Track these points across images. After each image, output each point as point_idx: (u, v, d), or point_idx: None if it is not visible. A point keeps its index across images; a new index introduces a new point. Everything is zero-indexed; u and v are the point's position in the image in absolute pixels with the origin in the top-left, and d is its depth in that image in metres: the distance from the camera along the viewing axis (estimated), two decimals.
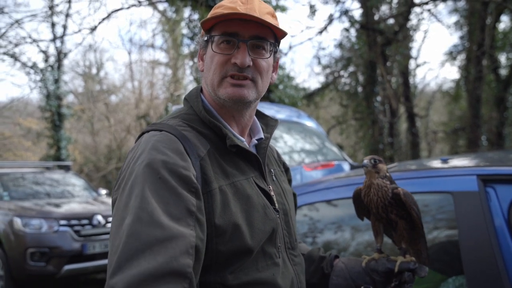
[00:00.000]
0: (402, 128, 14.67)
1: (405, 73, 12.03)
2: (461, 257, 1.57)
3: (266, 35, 1.09)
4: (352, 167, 3.39)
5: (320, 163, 3.20)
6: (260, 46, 1.09)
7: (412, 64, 13.77)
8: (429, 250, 1.35)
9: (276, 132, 3.34)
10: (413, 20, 10.93)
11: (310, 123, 3.83)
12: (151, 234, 0.85)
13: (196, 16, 10.52)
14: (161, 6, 13.34)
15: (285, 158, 3.07)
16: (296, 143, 3.35)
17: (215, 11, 1.10)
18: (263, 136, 1.20)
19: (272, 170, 1.22)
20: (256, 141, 1.19)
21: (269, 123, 1.26)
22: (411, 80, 13.38)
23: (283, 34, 1.11)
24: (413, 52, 13.58)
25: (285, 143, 3.26)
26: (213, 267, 0.98)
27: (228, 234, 0.98)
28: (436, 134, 16.28)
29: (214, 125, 1.08)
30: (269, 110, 3.74)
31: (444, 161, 2.16)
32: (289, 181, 1.38)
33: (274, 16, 1.13)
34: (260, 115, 1.28)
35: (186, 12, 11.47)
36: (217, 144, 1.07)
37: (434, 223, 1.99)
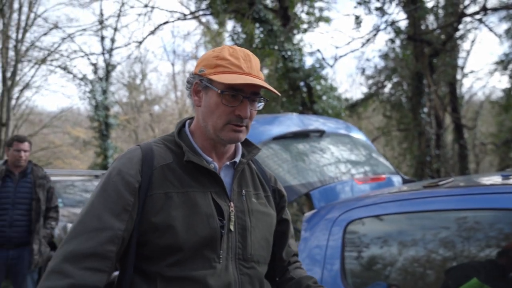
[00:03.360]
0: (448, 139, 14.22)
1: (453, 83, 11.68)
2: None
3: (259, 90, 1.32)
4: (404, 181, 3.31)
5: (371, 177, 3.14)
6: (256, 100, 1.32)
7: (458, 73, 13.36)
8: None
9: (323, 144, 3.32)
10: (461, 30, 10.62)
11: (358, 135, 3.77)
12: (91, 223, 1.19)
13: (239, 29, 10.70)
14: (205, 19, 13.63)
15: (333, 171, 3.03)
16: (344, 156, 3.31)
17: (219, 63, 1.30)
18: (237, 160, 1.39)
19: (244, 190, 1.38)
20: (228, 163, 1.38)
21: (251, 151, 1.45)
22: (457, 90, 12.97)
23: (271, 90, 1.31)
24: (460, 62, 13.19)
25: (332, 155, 3.22)
26: (153, 259, 1.22)
27: (161, 231, 1.21)
28: (485, 146, 15.66)
29: (180, 144, 1.32)
30: (315, 122, 3.71)
31: (505, 177, 2.08)
32: (282, 207, 1.53)
33: (260, 69, 1.36)
34: (247, 143, 1.48)
35: (229, 24, 11.70)
36: (183, 160, 1.31)
37: (486, 240, 1.93)
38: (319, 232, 2.43)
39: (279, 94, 1.34)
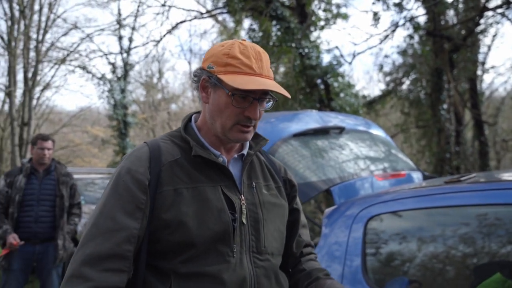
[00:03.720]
0: (468, 136, 14.00)
1: (473, 79, 11.49)
2: None
3: (269, 91, 1.30)
4: (425, 177, 3.30)
5: (392, 173, 3.14)
6: (265, 99, 1.31)
7: (479, 69, 13.13)
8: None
9: (343, 141, 3.32)
10: (483, 24, 10.41)
11: (377, 132, 3.76)
12: (105, 225, 1.18)
13: (256, 27, 10.71)
14: (221, 17, 13.68)
15: (353, 167, 3.03)
16: (364, 153, 3.30)
17: (229, 62, 1.27)
18: (245, 153, 1.39)
19: (254, 182, 1.38)
20: (236, 156, 1.38)
21: (259, 142, 1.44)
22: (478, 86, 12.76)
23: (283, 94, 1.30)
24: (481, 57, 12.96)
25: (352, 152, 3.22)
26: (167, 256, 1.22)
27: (173, 227, 1.20)
28: (507, 143, 15.37)
29: (187, 140, 1.32)
30: (334, 119, 3.71)
31: None
32: (293, 197, 1.53)
33: (270, 66, 1.35)
34: (254, 135, 1.46)
35: (246, 22, 11.71)
36: (190, 155, 1.30)
37: (508, 236, 1.92)
38: (340, 228, 2.44)
39: (289, 96, 1.31)
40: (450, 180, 2.28)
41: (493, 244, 1.96)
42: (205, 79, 1.32)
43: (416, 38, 11.08)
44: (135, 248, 1.20)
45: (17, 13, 14.10)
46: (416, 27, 10.11)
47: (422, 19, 10.75)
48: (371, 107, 13.73)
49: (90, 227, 1.20)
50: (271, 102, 1.35)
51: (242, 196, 1.32)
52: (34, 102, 16.16)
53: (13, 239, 3.78)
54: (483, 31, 10.93)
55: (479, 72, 13.15)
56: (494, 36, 13.09)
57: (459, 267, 2.03)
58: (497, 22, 9.58)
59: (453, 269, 2.05)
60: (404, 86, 13.82)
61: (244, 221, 1.29)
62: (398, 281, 2.19)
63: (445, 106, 10.09)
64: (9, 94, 13.80)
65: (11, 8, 14.14)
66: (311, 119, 3.41)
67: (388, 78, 14.38)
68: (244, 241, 1.28)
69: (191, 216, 1.21)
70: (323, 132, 3.25)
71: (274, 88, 1.25)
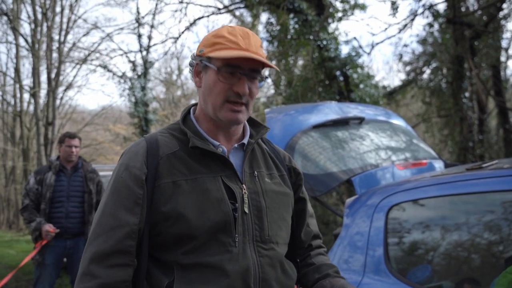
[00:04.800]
0: (492, 124, 13.71)
1: (496, 66, 11.24)
2: None
3: (259, 67, 1.31)
4: (447, 166, 3.28)
5: (413, 162, 3.13)
6: (255, 76, 1.31)
7: (502, 55, 12.84)
8: None
9: (363, 131, 3.32)
10: (505, 9, 10.15)
11: (398, 121, 3.75)
12: (108, 222, 1.22)
13: (273, 20, 10.69)
14: (238, 12, 13.69)
15: (374, 157, 3.04)
16: (385, 142, 3.30)
17: (217, 41, 1.29)
18: (245, 142, 1.39)
19: (256, 171, 1.37)
20: (236, 146, 1.38)
21: (260, 130, 1.44)
22: (502, 73, 12.47)
23: (270, 66, 1.30)
24: (504, 43, 12.66)
25: (372, 142, 3.23)
26: (168, 248, 1.23)
27: (172, 220, 1.21)
28: None
29: (185, 131, 1.32)
30: (354, 110, 3.72)
31: None
32: (299, 186, 1.53)
33: (261, 46, 1.34)
34: (255, 123, 1.48)
35: (263, 16, 11.71)
36: (188, 147, 1.30)
37: None
38: (361, 218, 2.45)
39: (277, 69, 1.34)
40: (472, 167, 2.27)
41: None
42: (198, 64, 1.35)
43: (436, 26, 10.90)
44: (137, 242, 1.23)
45: (39, 16, 14.40)
46: (436, 15, 9.94)
47: (441, 7, 10.58)
48: (391, 97, 13.57)
49: (95, 226, 1.24)
50: (262, 79, 1.35)
51: (244, 185, 1.31)
52: (58, 102, 16.48)
53: (49, 227, 3.91)
54: (505, 17, 10.67)
55: (502, 59, 12.85)
56: None
57: (483, 254, 2.03)
58: None
59: (477, 257, 2.05)
60: (425, 76, 13.64)
61: (246, 210, 1.28)
62: (421, 269, 2.20)
63: (467, 94, 9.90)
64: (34, 95, 14.14)
65: (34, 11, 14.46)
66: (331, 110, 3.42)
67: (408, 68, 14.19)
68: (247, 230, 1.27)
69: (190, 208, 1.22)
70: (342, 123, 3.26)
71: (257, 57, 1.25)
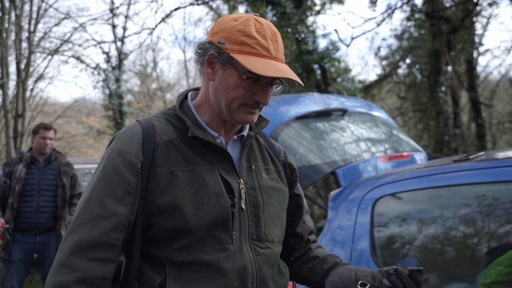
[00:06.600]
0: (464, 119, 14.01)
1: (470, 61, 11.45)
2: None
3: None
4: (430, 158, 3.28)
5: (395, 154, 3.11)
6: (274, 84, 1.23)
7: (475, 51, 13.09)
8: None
9: (346, 123, 3.28)
10: (480, 6, 10.32)
11: (380, 114, 3.73)
12: (94, 211, 1.11)
13: (251, 12, 10.59)
14: (215, 4, 13.52)
15: (357, 149, 3.01)
16: (368, 134, 3.28)
17: (245, 40, 1.16)
18: (245, 134, 1.31)
19: (253, 165, 1.30)
20: (235, 137, 1.30)
21: (259, 123, 1.35)
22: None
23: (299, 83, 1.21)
24: (477, 39, 12.90)
25: (355, 134, 3.19)
26: (161, 243, 1.14)
27: (168, 213, 1.12)
28: (503, 125, 15.41)
29: (183, 119, 1.23)
30: (335, 101, 3.67)
31: None
32: (294, 182, 1.46)
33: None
34: None
35: (241, 9, 11.58)
36: (186, 136, 1.22)
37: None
38: (346, 210, 2.41)
39: (302, 84, 1.22)
40: (459, 158, 2.25)
41: (506, 222, 1.94)
42: (213, 55, 1.21)
43: (413, 21, 11.01)
44: (125, 235, 1.13)
45: (7, 3, 13.88)
46: (415, 9, 10.02)
47: (418, 1, 10.68)
48: (367, 92, 13.70)
49: (79, 213, 1.13)
50: (280, 87, 1.26)
51: (241, 180, 1.24)
52: (28, 93, 16.00)
53: None
54: (479, 12, 10.87)
55: (474, 55, 13.12)
56: (489, 18, 13.03)
57: (473, 246, 2.01)
58: (494, 3, 9.48)
59: (468, 249, 2.03)
60: (400, 70, 13.80)
61: (243, 206, 1.21)
62: (407, 262, 2.17)
63: (443, 88, 10.06)
64: (2, 85, 13.64)
65: None
66: (313, 101, 3.37)
67: (384, 62, 14.33)
68: (243, 227, 1.20)
69: (187, 201, 1.13)
70: (325, 114, 3.21)
71: (292, 76, 1.17)
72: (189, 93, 1.35)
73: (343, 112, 3.29)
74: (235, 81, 1.18)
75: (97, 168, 1.19)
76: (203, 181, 1.17)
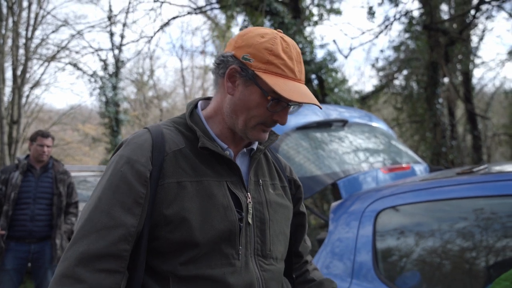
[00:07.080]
0: (459, 130, 14.08)
1: (467, 73, 11.53)
2: None
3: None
4: (432, 170, 3.26)
5: (397, 166, 3.10)
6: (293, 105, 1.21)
7: (471, 64, 13.19)
8: None
9: (346, 134, 3.27)
10: (479, 18, 10.41)
11: (380, 125, 3.72)
12: (101, 220, 1.06)
13: (249, 23, 10.62)
14: (213, 13, 13.56)
15: (358, 161, 2.99)
16: (368, 146, 3.26)
17: (272, 60, 1.14)
18: (254, 148, 1.29)
19: (261, 180, 1.28)
20: (245, 150, 1.28)
21: (269, 137, 1.32)
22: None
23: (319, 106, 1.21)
24: (474, 51, 13.00)
25: (356, 145, 3.18)
26: (165, 256, 1.11)
27: (174, 224, 1.09)
28: (499, 137, 15.49)
29: (193, 129, 1.20)
30: (334, 111, 3.66)
31: None
32: (298, 199, 1.44)
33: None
34: None
35: (239, 18, 11.63)
36: (196, 146, 1.19)
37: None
38: (348, 222, 2.39)
39: (321, 107, 1.22)
40: (463, 171, 2.24)
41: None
42: (236, 69, 1.17)
43: (410, 32, 11.09)
44: (132, 247, 1.09)
45: (5, 10, 13.85)
46: (413, 21, 10.10)
47: (416, 14, 10.76)
48: (364, 102, 13.75)
49: (84, 222, 1.08)
50: (296, 107, 1.24)
51: (249, 194, 1.21)
52: (24, 100, 15.91)
53: None
54: (475, 25, 10.97)
55: (470, 67, 13.22)
56: (484, 31, 13.15)
57: (477, 260, 1.99)
58: (492, 16, 9.57)
59: (471, 263, 2.01)
60: (397, 82, 13.88)
61: (250, 221, 1.18)
62: (410, 276, 2.15)
63: (440, 100, 10.11)
64: None
65: None
66: (313, 112, 3.35)
67: (381, 73, 14.41)
68: (249, 243, 1.17)
69: (194, 213, 1.10)
70: (326, 125, 3.20)
71: (315, 101, 1.15)
72: (199, 103, 1.32)
73: (343, 123, 3.28)
74: (257, 99, 1.16)
75: (103, 176, 1.15)
76: (211, 193, 1.14)
